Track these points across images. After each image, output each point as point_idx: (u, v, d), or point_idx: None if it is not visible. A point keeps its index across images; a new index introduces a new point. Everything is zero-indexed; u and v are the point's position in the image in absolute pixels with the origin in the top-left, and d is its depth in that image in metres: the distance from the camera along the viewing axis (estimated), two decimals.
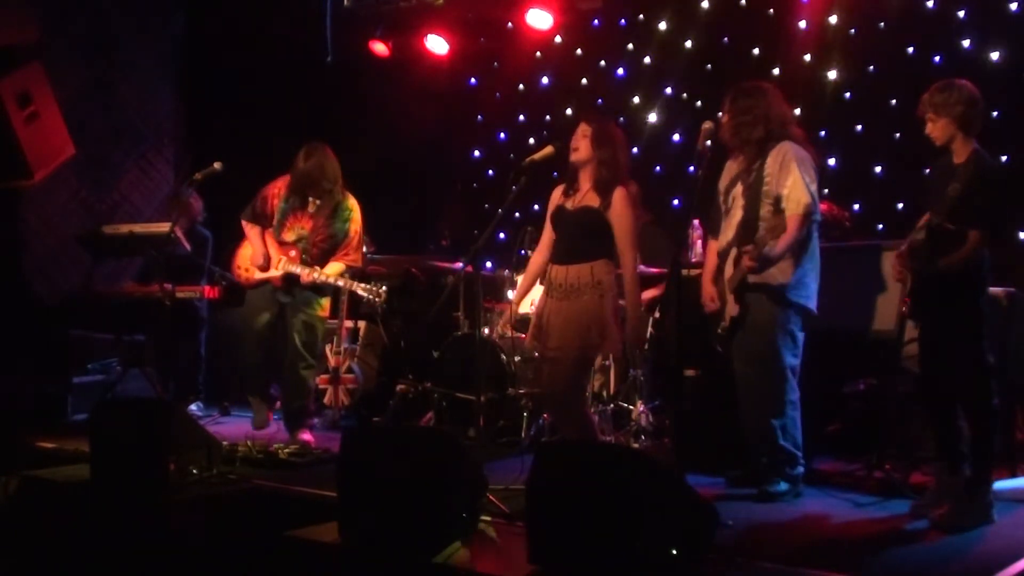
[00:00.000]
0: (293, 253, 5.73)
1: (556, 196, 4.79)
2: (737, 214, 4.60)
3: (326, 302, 5.91)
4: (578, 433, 4.62)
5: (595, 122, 4.64)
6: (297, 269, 5.68)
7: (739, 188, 4.63)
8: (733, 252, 4.57)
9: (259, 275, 5.81)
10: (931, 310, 4.16)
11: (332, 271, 5.72)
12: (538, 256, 4.88)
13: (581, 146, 4.59)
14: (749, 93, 4.60)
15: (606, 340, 4.49)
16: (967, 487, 4.09)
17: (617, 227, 4.53)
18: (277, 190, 5.85)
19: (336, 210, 5.78)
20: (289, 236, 5.77)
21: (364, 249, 5.63)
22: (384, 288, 5.77)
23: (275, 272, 5.75)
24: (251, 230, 5.89)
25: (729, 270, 4.60)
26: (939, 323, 4.14)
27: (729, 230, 4.64)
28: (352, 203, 5.84)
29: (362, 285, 5.73)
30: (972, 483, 4.10)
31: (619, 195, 4.54)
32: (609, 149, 4.57)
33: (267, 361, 5.98)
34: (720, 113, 4.74)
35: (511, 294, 6.65)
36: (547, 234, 4.81)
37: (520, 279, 6.39)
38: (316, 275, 5.63)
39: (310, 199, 5.77)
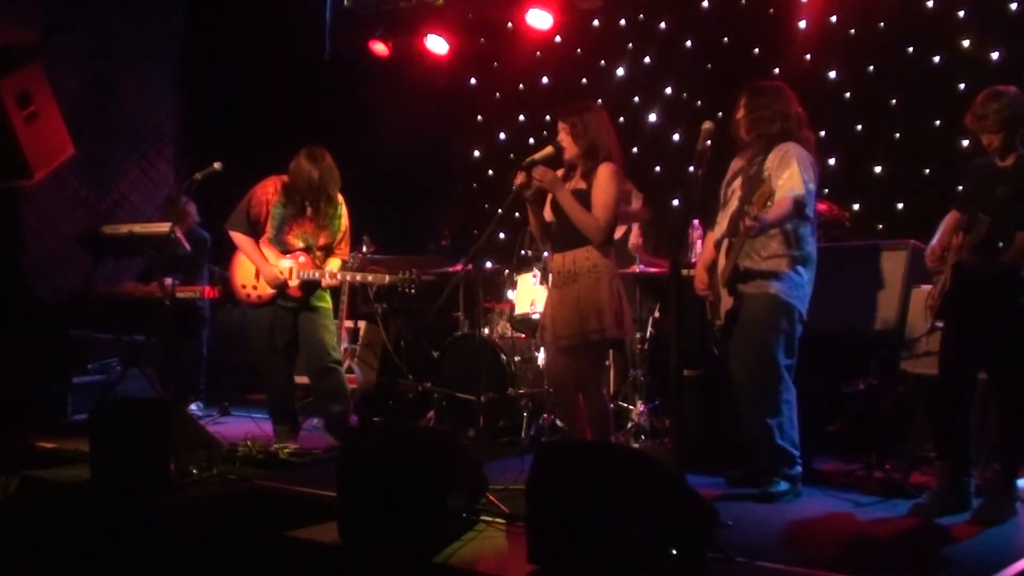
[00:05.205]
0: (303, 259, 5.50)
1: None
2: (733, 204, 4.61)
3: (326, 294, 5.72)
4: (594, 426, 4.59)
5: (570, 116, 4.66)
6: (315, 275, 5.46)
7: (739, 181, 4.64)
8: (725, 242, 4.57)
9: (271, 291, 5.51)
10: (974, 309, 4.14)
11: (334, 267, 5.60)
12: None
13: (566, 144, 4.65)
14: (767, 91, 4.61)
15: (606, 324, 4.48)
16: (999, 482, 4.14)
17: (595, 193, 4.55)
18: (269, 196, 5.56)
19: (332, 211, 5.64)
20: (296, 243, 5.55)
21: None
22: (413, 272, 5.47)
23: (292, 282, 5.47)
24: (245, 242, 5.55)
25: (721, 262, 4.59)
26: (984, 322, 4.12)
27: (724, 220, 4.64)
28: (341, 199, 5.70)
29: (389, 275, 5.48)
30: (1004, 478, 4.15)
31: (602, 169, 4.58)
32: (588, 137, 4.61)
33: (292, 384, 5.82)
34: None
35: (511, 294, 6.66)
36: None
37: (520, 279, 6.43)
38: (340, 276, 5.49)
39: (307, 203, 5.54)
